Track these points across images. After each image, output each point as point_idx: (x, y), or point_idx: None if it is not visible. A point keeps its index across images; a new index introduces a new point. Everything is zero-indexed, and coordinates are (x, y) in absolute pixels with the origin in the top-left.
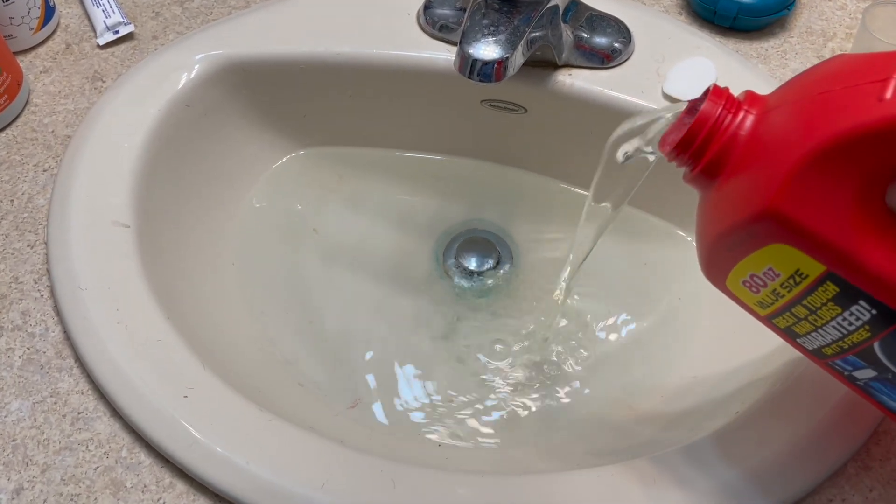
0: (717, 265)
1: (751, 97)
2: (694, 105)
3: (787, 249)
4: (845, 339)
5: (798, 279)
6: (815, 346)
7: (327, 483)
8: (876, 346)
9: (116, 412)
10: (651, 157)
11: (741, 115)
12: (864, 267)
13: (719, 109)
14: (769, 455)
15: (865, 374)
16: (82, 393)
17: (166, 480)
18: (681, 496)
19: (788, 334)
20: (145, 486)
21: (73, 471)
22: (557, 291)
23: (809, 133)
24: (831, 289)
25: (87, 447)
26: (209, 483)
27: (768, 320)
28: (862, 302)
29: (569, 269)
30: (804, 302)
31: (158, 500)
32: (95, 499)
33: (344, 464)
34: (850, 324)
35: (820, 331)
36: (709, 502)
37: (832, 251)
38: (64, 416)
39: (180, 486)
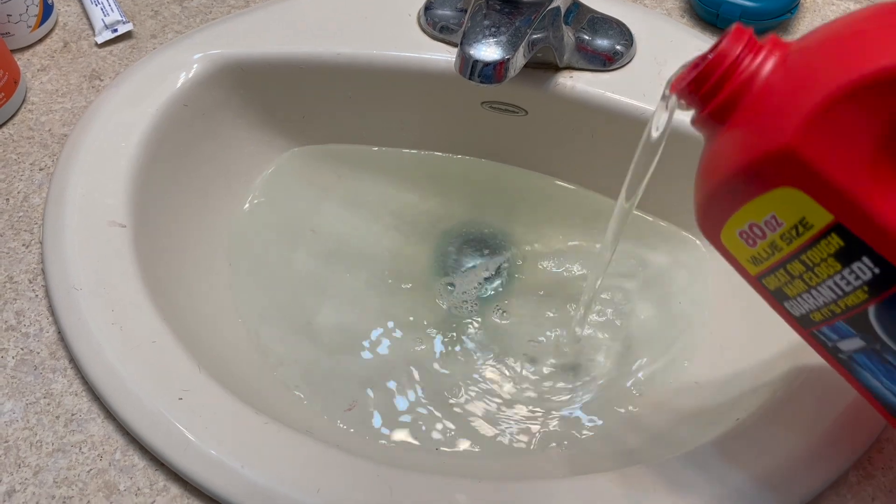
0: (715, 213)
1: (774, 41)
2: (713, 46)
3: (797, 195)
4: (839, 302)
5: (801, 230)
6: (804, 311)
7: (322, 488)
8: (871, 310)
9: (110, 414)
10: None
11: (762, 55)
12: (875, 219)
13: (739, 49)
14: (770, 463)
15: (851, 344)
16: (76, 394)
17: (160, 483)
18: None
19: (776, 297)
20: (139, 489)
21: (66, 473)
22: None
23: (840, 69)
24: (835, 242)
25: (80, 449)
26: (203, 486)
27: (758, 280)
28: (865, 259)
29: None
30: (803, 257)
31: None
32: (88, 502)
33: (339, 468)
34: (848, 283)
35: (813, 291)
36: None
37: (845, 199)
38: (57, 417)
39: (174, 489)
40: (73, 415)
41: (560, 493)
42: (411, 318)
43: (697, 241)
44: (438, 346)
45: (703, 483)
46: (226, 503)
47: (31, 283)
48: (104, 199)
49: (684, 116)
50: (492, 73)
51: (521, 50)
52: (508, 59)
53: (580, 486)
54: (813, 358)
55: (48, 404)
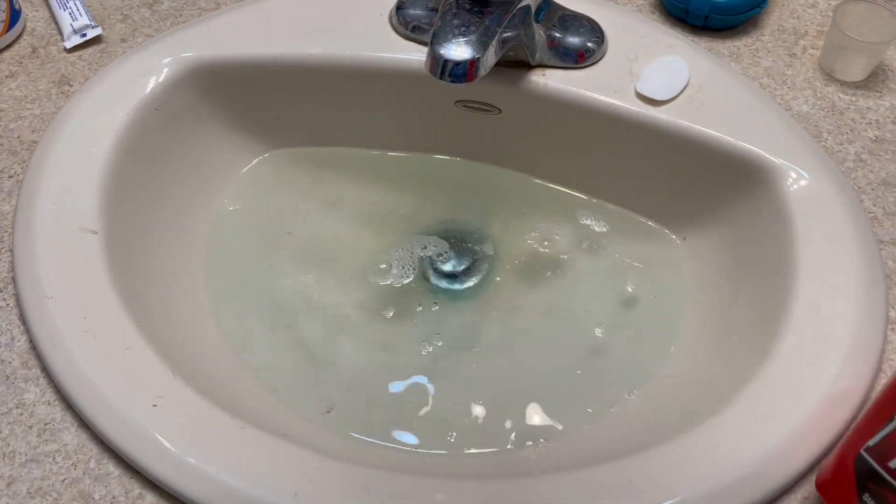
0: None
1: None
2: None
3: None
4: None
5: None
6: None
7: (300, 491)
8: None
9: (84, 423)
10: None
11: None
12: None
13: None
14: (747, 454)
15: None
16: (49, 403)
17: (135, 491)
18: (657, 496)
19: None
20: (114, 498)
21: (40, 483)
22: None
23: None
24: None
25: (54, 459)
26: (179, 493)
27: None
28: None
29: None
30: None
31: None
32: None
33: (317, 471)
34: None
35: None
36: (684, 501)
37: None
38: (30, 427)
39: (150, 497)
40: (46, 424)
41: (537, 490)
42: (390, 320)
43: (673, 237)
44: (417, 347)
45: (679, 476)
46: None
47: (1, 291)
48: (75, 205)
49: (665, 114)
50: (462, 72)
51: (491, 49)
52: (479, 59)
53: (557, 483)
54: (787, 347)
55: (21, 414)
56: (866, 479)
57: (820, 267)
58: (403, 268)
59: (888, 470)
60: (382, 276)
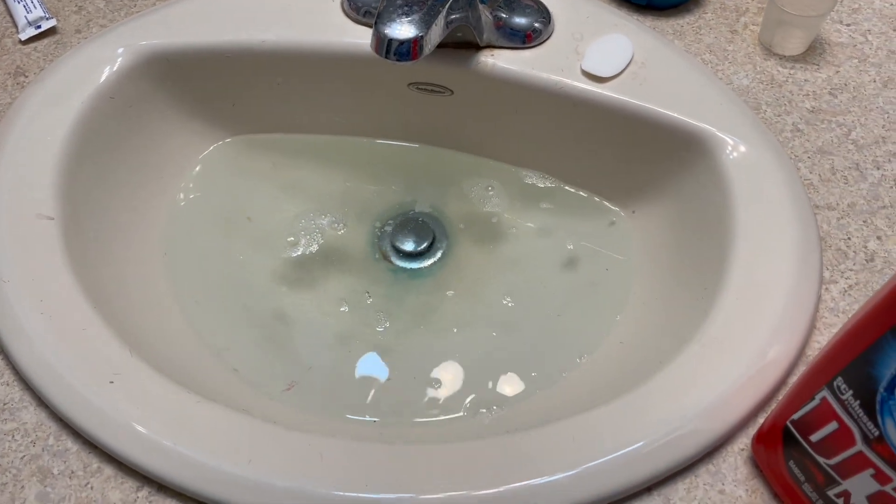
0: None
1: None
2: None
3: None
4: None
5: None
6: None
7: (254, 459)
8: None
9: (43, 401)
10: None
11: None
12: None
13: None
14: (683, 411)
15: None
16: (7, 384)
17: (94, 465)
18: (598, 452)
19: None
20: (73, 472)
21: None
22: None
23: None
24: None
25: (13, 437)
26: (136, 465)
27: None
28: None
29: None
30: None
31: (86, 485)
32: (22, 487)
33: (271, 440)
34: None
35: None
36: (623, 459)
37: None
38: None
39: (108, 469)
40: (4, 404)
41: (481, 453)
42: (349, 301)
43: (622, 211)
44: (376, 326)
45: (622, 431)
46: (158, 479)
47: None
48: (31, 193)
49: (609, 91)
50: (406, 50)
51: (435, 28)
52: (422, 37)
53: (501, 444)
54: (724, 309)
55: None
56: (792, 447)
57: (757, 232)
58: (361, 249)
59: (810, 443)
60: (340, 258)
